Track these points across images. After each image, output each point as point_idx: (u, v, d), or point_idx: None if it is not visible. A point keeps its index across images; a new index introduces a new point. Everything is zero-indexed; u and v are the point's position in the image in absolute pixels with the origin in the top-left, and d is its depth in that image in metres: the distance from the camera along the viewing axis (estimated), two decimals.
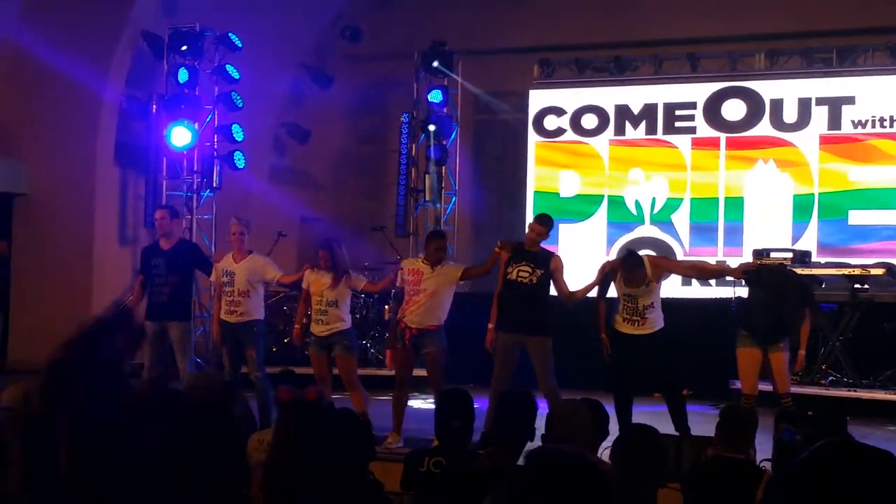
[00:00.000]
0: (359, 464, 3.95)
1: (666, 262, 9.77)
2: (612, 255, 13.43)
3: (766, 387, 9.41)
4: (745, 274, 9.42)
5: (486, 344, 9.33)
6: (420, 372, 10.00)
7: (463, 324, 10.29)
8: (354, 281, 9.72)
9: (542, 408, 5.42)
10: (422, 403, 11.37)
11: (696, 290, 13.41)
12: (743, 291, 10.03)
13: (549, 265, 9.26)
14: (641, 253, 9.42)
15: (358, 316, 13.82)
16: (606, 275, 9.26)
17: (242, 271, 9.98)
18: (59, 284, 14.45)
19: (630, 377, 9.00)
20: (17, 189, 14.78)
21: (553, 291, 9.48)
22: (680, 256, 13.88)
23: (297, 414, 4.90)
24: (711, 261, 12.11)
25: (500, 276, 9.43)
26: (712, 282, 12.60)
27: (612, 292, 9.31)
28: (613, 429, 5.97)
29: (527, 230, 9.56)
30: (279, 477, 3.65)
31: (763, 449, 7.52)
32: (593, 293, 9.40)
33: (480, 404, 5.93)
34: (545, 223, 9.46)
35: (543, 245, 9.51)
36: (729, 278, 10.14)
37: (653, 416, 8.65)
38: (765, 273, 9.26)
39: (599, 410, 5.78)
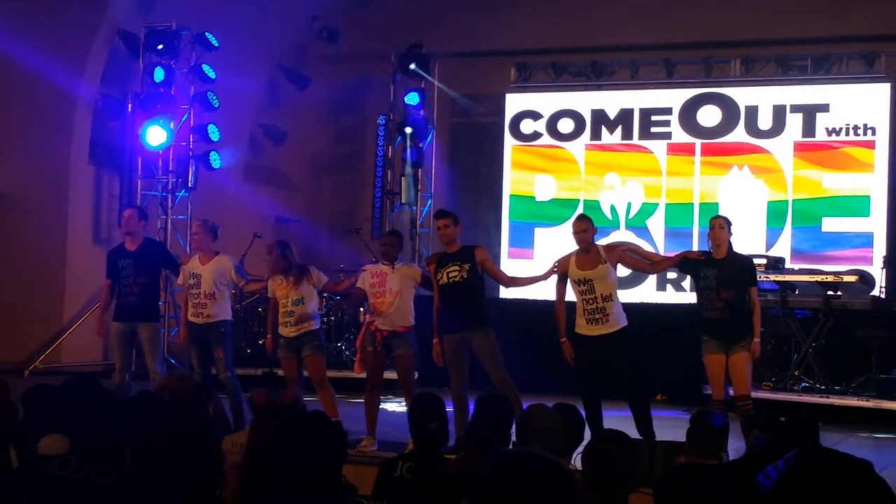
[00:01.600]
0: (333, 466, 3.95)
1: (618, 247, 9.56)
2: None
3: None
4: (682, 260, 9.19)
5: (434, 359, 9.33)
6: (391, 375, 9.99)
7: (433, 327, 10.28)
8: (316, 277, 9.67)
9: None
10: (395, 406, 11.37)
11: (670, 296, 13.45)
12: None
13: (474, 258, 9.25)
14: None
15: (333, 318, 13.80)
16: (560, 270, 9.11)
17: (209, 273, 9.94)
18: (32, 283, 14.38)
19: (597, 381, 8.91)
20: None
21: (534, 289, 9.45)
22: None
23: (272, 417, 4.89)
24: None
25: (434, 291, 9.42)
26: (686, 286, 12.64)
27: (571, 296, 9.18)
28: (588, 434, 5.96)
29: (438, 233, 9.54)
30: (254, 479, 3.64)
31: (733, 455, 7.55)
32: (552, 296, 9.29)
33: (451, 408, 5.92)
34: (442, 216, 9.48)
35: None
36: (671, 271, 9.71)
37: (624, 420, 8.65)
38: (709, 264, 8.91)
39: (574, 415, 5.78)
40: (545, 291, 10.75)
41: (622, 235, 14.33)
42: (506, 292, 12.00)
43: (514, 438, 5.18)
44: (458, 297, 9.19)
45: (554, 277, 9.14)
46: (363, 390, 9.67)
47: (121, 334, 10.16)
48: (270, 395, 5.46)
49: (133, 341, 10.17)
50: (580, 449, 4.99)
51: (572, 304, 9.04)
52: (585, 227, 9.03)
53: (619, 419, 8.63)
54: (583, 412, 6.52)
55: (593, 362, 8.83)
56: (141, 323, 10.13)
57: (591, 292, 8.86)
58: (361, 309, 14.26)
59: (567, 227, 14.70)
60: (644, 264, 9.07)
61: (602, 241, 9.62)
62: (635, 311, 9.34)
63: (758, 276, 9.44)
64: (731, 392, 8.89)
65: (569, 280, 9.02)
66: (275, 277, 9.68)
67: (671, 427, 8.99)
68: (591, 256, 8.96)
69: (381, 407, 9.64)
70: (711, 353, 8.84)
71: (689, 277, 10.61)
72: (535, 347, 10.06)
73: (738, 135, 14.26)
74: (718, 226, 8.94)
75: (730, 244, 8.95)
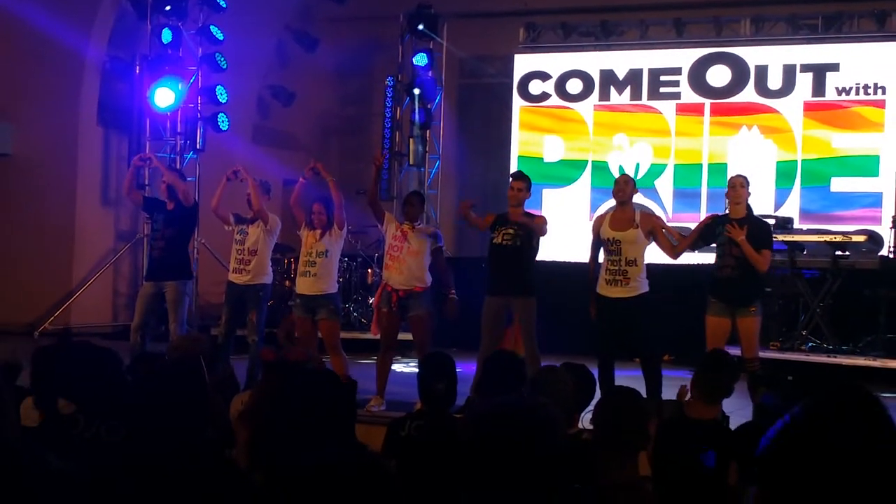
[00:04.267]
0: (342, 423, 3.97)
1: (657, 220, 9.52)
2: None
3: (736, 351, 9.35)
4: (699, 234, 9.08)
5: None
6: (405, 336, 10.01)
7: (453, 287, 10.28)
8: (339, 217, 9.65)
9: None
10: (405, 367, 11.40)
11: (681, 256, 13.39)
12: None
13: (533, 226, 9.22)
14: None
15: (341, 279, 13.83)
16: (596, 228, 9.14)
17: (257, 230, 10.02)
18: (41, 244, 14.42)
19: (612, 342, 8.95)
20: (1, 149, 14.70)
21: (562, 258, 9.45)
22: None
23: (278, 374, 4.92)
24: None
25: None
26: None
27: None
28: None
29: (508, 191, 9.48)
30: (261, 437, 3.67)
31: (739, 414, 7.59)
32: (586, 258, 9.32)
33: (464, 369, 5.94)
34: (519, 179, 9.47)
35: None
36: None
37: (633, 380, 8.66)
38: (726, 222, 8.83)
39: (584, 374, 5.80)
40: (558, 252, 10.78)
41: None
42: None
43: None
44: (507, 261, 9.16)
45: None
46: (371, 350, 9.70)
47: (147, 294, 10.22)
48: (278, 353, 5.49)
49: (157, 303, 10.19)
50: (591, 407, 5.01)
51: None
52: (626, 180, 9.12)
53: (628, 379, 8.65)
54: (595, 371, 6.54)
55: (610, 323, 8.86)
56: (167, 282, 10.14)
57: (618, 254, 8.86)
58: (370, 270, 14.33)
59: (574, 188, 14.78)
60: (669, 246, 9.04)
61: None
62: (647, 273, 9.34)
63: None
64: (740, 354, 8.88)
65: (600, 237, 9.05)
66: (306, 227, 9.71)
67: (677, 386, 9.00)
68: (626, 217, 8.96)
69: (391, 368, 9.65)
70: (714, 315, 8.77)
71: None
72: (550, 308, 10.06)
73: (748, 95, 14.19)
74: (739, 184, 8.91)
75: (748, 205, 8.92)
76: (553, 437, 2.58)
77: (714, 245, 8.96)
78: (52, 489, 2.30)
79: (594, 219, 9.35)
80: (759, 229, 8.89)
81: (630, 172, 14.55)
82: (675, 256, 9.16)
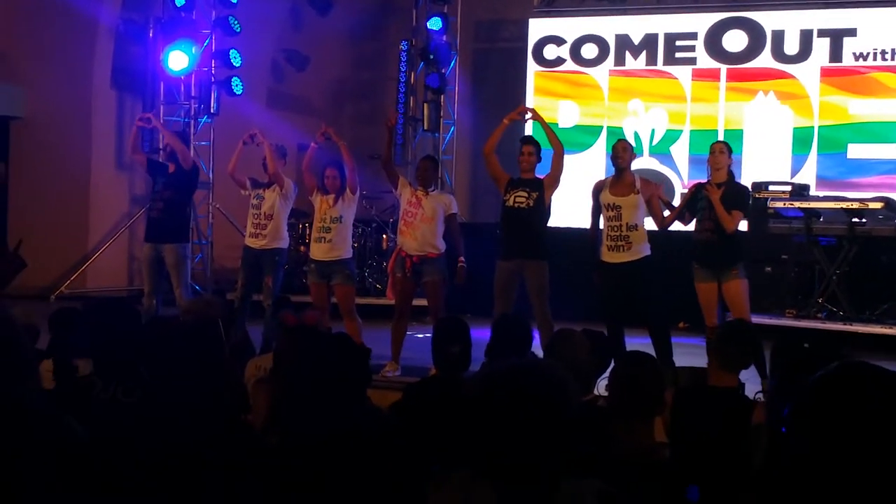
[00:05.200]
0: (356, 386, 3.97)
1: (655, 187, 9.50)
2: None
3: (759, 319, 9.34)
4: (685, 205, 9.10)
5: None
6: (420, 301, 10.01)
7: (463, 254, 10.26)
8: (352, 181, 9.65)
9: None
10: (420, 333, 11.39)
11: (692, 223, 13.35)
12: None
13: (543, 188, 9.21)
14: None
15: (356, 245, 13.82)
16: (596, 194, 9.16)
17: (273, 195, 10.02)
18: (56, 208, 14.45)
19: (619, 308, 8.94)
20: (15, 112, 14.71)
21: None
22: (678, 189, 13.87)
23: (299, 337, 4.94)
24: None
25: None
26: None
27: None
28: None
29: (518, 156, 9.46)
30: (280, 401, 3.67)
31: (753, 381, 7.57)
32: (587, 223, 9.32)
33: (480, 334, 5.93)
34: (529, 142, 9.47)
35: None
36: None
37: (644, 348, 8.64)
38: (701, 191, 8.90)
39: (601, 341, 5.79)
40: (572, 219, 10.75)
41: (646, 162, 14.24)
42: None
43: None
44: (520, 224, 9.15)
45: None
46: (386, 317, 9.70)
47: (149, 259, 10.25)
48: (298, 317, 5.50)
49: (161, 267, 10.22)
50: (606, 374, 5.00)
51: None
52: (625, 147, 9.13)
53: (636, 346, 8.64)
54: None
55: (615, 289, 8.87)
56: (166, 244, 10.16)
57: (618, 219, 8.88)
58: (384, 236, 14.32)
59: (589, 154, 14.72)
60: (660, 217, 9.05)
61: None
62: (658, 239, 9.32)
63: (750, 203, 9.45)
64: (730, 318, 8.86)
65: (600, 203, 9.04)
66: (319, 192, 9.70)
67: (693, 354, 9.01)
68: (625, 183, 8.97)
69: (406, 333, 9.65)
70: (700, 282, 8.84)
71: None
72: (565, 274, 10.04)
73: (764, 60, 14.09)
74: (719, 150, 8.99)
75: (730, 172, 8.94)
76: (562, 398, 2.56)
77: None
78: (71, 452, 2.31)
79: (594, 184, 9.33)
80: (735, 192, 8.94)
81: (645, 138, 14.53)
82: (663, 228, 9.18)
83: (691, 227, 9.13)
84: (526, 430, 2.48)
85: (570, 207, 12.29)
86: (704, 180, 9.07)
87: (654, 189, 9.25)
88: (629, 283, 8.85)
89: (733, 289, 8.76)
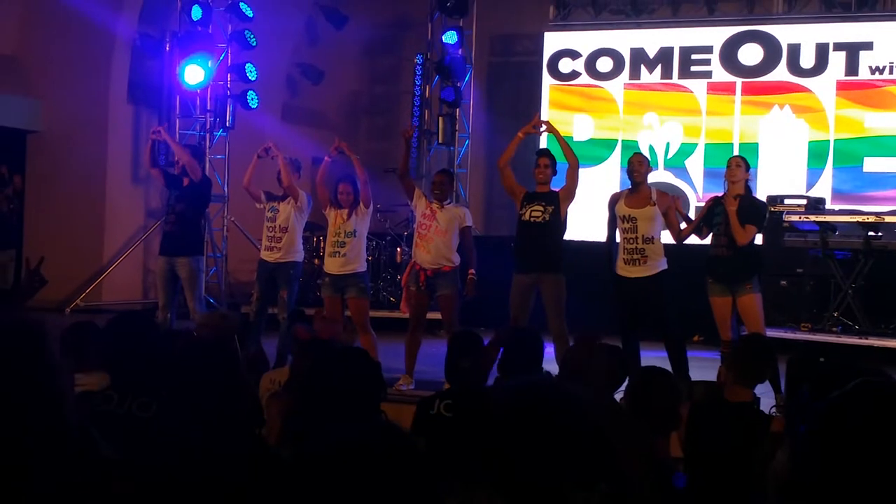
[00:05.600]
0: (370, 400, 3.96)
1: (671, 199, 9.48)
2: None
3: (774, 333, 9.29)
4: (702, 220, 9.09)
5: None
6: (434, 315, 10.00)
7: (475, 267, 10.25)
8: (365, 195, 9.67)
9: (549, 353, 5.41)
10: (434, 347, 11.38)
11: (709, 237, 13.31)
12: None
13: (559, 201, 9.20)
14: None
15: (370, 258, 13.83)
16: (612, 205, 9.16)
17: (288, 208, 10.04)
18: (71, 221, 14.47)
19: (634, 322, 8.93)
20: (32, 126, 14.76)
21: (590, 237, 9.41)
22: (693, 202, 13.85)
23: (310, 352, 4.94)
24: None
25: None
26: None
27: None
28: None
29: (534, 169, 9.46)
30: (298, 414, 3.67)
31: (767, 395, 7.54)
32: (603, 237, 9.33)
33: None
34: (545, 155, 9.48)
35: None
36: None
37: (659, 361, 8.62)
38: (718, 205, 8.91)
39: (618, 356, 5.77)
40: (587, 232, 10.75)
41: (661, 176, 14.23)
42: None
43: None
44: (536, 238, 9.14)
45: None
46: (400, 329, 9.69)
47: (163, 272, 10.28)
48: (312, 331, 5.51)
49: (175, 280, 10.25)
50: (621, 388, 4.99)
51: None
52: (641, 160, 9.12)
53: (652, 360, 8.62)
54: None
55: (630, 304, 8.85)
56: (179, 258, 10.19)
57: (634, 231, 8.87)
58: (399, 249, 14.32)
59: (604, 167, 14.72)
60: (676, 229, 9.04)
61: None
62: (673, 251, 9.30)
63: (766, 218, 9.41)
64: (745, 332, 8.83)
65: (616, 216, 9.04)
66: (332, 206, 9.72)
67: (708, 368, 8.98)
68: (642, 195, 8.97)
69: (420, 347, 9.63)
70: (715, 297, 8.83)
71: None
72: (580, 288, 10.02)
73: (780, 73, 14.08)
74: (735, 164, 9.00)
75: (747, 186, 8.93)
76: (576, 416, 2.56)
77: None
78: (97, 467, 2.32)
79: (610, 196, 9.34)
80: (751, 205, 8.90)
81: (660, 152, 14.51)
82: (679, 241, 9.16)
83: (707, 240, 9.11)
84: (541, 448, 2.48)
85: (586, 221, 12.28)
86: (720, 194, 9.06)
87: (671, 201, 9.22)
88: (645, 299, 8.83)
89: (747, 303, 8.75)
